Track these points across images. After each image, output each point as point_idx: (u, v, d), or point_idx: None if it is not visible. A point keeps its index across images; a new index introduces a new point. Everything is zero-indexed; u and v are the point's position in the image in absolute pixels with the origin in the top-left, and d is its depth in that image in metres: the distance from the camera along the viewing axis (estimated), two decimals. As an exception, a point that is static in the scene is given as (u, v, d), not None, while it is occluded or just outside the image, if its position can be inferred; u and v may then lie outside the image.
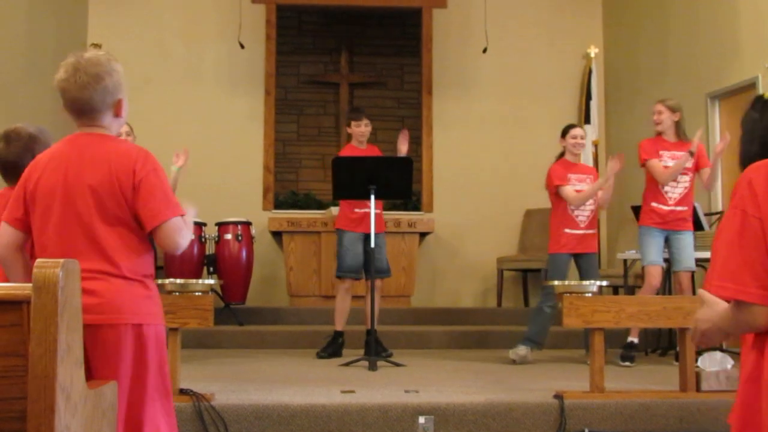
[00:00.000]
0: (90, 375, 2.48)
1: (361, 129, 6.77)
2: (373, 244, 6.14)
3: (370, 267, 6.34)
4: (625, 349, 6.27)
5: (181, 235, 2.70)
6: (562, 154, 6.54)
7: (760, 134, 2.30)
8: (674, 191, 6.22)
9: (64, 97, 2.74)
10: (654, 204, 6.24)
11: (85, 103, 2.70)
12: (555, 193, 6.38)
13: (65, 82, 2.70)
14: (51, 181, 2.66)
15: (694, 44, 7.99)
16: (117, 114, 2.78)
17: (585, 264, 6.43)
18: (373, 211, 6.15)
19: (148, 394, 2.62)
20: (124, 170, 2.64)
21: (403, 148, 6.57)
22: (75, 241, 2.61)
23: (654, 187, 6.26)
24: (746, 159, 2.29)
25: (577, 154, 6.52)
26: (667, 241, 6.26)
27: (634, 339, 6.29)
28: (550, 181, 6.39)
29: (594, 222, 6.47)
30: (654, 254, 6.20)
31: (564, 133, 6.53)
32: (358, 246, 6.66)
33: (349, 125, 6.87)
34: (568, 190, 6.30)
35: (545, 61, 9.87)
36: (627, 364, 6.15)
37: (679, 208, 6.19)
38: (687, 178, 6.22)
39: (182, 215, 2.73)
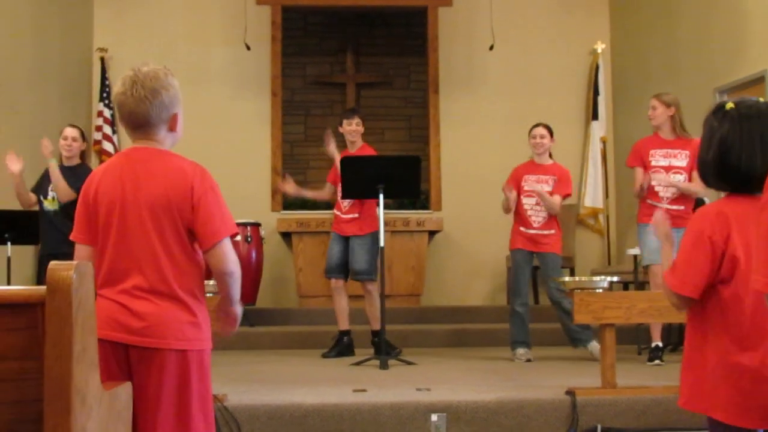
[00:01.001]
0: (134, 396, 2.51)
1: (352, 127, 6.79)
2: (381, 243, 6.17)
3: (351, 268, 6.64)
4: (652, 351, 6.21)
5: (229, 260, 2.71)
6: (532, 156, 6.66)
7: (717, 143, 2.44)
8: (667, 191, 6.17)
9: (120, 110, 2.74)
10: (649, 201, 6.21)
11: (141, 117, 2.70)
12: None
13: (122, 96, 2.70)
14: (108, 196, 2.67)
15: (702, 39, 7.97)
16: (172, 128, 2.79)
17: (542, 262, 6.52)
18: (381, 211, 6.16)
19: (193, 418, 2.63)
20: (181, 187, 2.65)
21: (330, 149, 6.76)
22: (130, 256, 2.63)
23: (649, 185, 6.24)
24: (702, 164, 2.51)
25: (539, 153, 6.57)
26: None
27: (658, 343, 6.22)
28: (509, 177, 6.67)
29: (550, 223, 6.49)
30: (654, 252, 6.15)
31: (529, 132, 6.61)
32: (335, 246, 6.78)
33: (341, 125, 6.88)
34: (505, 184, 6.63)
35: (552, 58, 9.86)
36: (657, 362, 6.04)
37: (674, 207, 6.13)
38: (681, 177, 6.16)
39: (236, 233, 2.76)
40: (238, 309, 2.86)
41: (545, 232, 6.46)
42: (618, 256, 9.51)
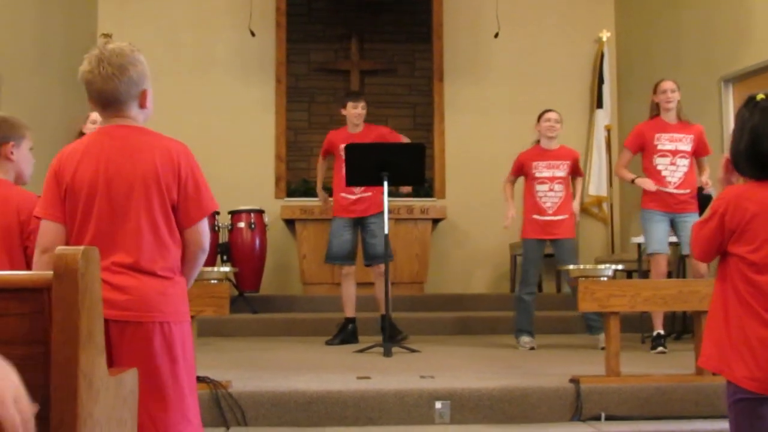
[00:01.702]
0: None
1: (358, 111, 6.80)
2: (386, 230, 6.16)
3: (367, 253, 6.58)
4: (654, 340, 6.22)
5: (206, 237, 2.78)
6: (538, 141, 6.60)
7: (748, 132, 2.57)
8: (673, 175, 6.18)
9: (88, 89, 2.72)
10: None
11: (110, 94, 2.69)
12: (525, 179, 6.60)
13: (90, 74, 2.69)
14: (89, 174, 2.66)
15: (706, 27, 7.95)
16: (142, 105, 2.78)
17: (558, 250, 6.48)
18: (386, 197, 6.15)
19: (183, 389, 2.63)
20: (168, 164, 2.67)
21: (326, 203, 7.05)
22: (112, 234, 2.63)
23: (652, 170, 6.24)
24: (735, 153, 2.62)
25: (551, 137, 6.53)
26: (674, 225, 6.24)
27: (660, 331, 6.23)
28: (513, 165, 6.67)
29: (565, 207, 6.47)
30: (657, 242, 6.16)
31: (539, 117, 6.58)
32: (345, 233, 6.75)
33: (344, 106, 6.88)
34: (507, 179, 6.73)
35: (557, 46, 9.83)
36: (660, 349, 6.06)
37: (679, 192, 6.14)
38: (685, 161, 6.17)
39: (215, 210, 2.80)
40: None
41: (559, 217, 6.43)
42: (622, 245, 9.50)
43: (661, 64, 8.76)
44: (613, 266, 4.90)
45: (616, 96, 9.87)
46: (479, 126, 9.71)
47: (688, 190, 6.17)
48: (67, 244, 2.67)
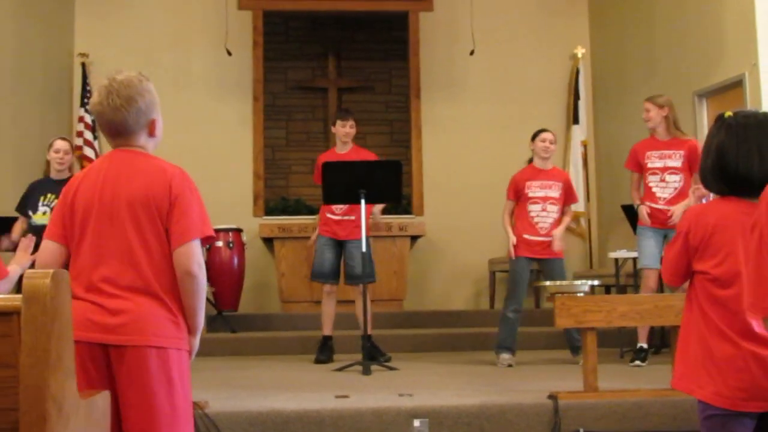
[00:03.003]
0: (114, 395, 2.50)
1: (346, 129, 6.80)
2: (363, 248, 6.14)
3: (348, 273, 6.51)
4: (636, 353, 6.24)
5: (195, 261, 2.67)
6: (531, 159, 6.61)
7: (714, 149, 2.62)
8: (663, 192, 6.22)
9: (99, 120, 2.79)
10: (647, 202, 6.27)
11: (119, 125, 2.74)
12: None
13: (99, 106, 2.74)
14: (87, 196, 2.69)
15: (680, 43, 8.02)
16: (151, 134, 2.83)
17: (547, 269, 6.46)
18: (363, 215, 6.13)
19: (179, 418, 2.61)
20: (160, 185, 2.67)
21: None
22: (108, 255, 2.63)
23: (645, 185, 6.30)
24: (703, 169, 2.68)
25: (545, 158, 6.54)
26: (666, 240, 6.28)
27: (643, 344, 6.25)
28: (507, 190, 6.60)
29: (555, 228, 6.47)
30: (649, 257, 6.19)
31: (534, 136, 6.59)
32: (328, 251, 6.74)
33: (334, 124, 6.89)
34: (507, 208, 6.60)
35: (533, 63, 9.89)
36: (637, 363, 6.10)
37: (670, 208, 6.19)
38: (677, 177, 6.21)
39: (211, 237, 2.75)
40: (196, 342, 2.82)
41: (551, 238, 6.43)
42: (600, 260, 9.54)
43: (636, 80, 8.83)
44: (590, 282, 4.92)
45: (592, 111, 9.93)
46: (456, 142, 9.75)
47: None
48: (68, 263, 2.70)
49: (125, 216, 2.64)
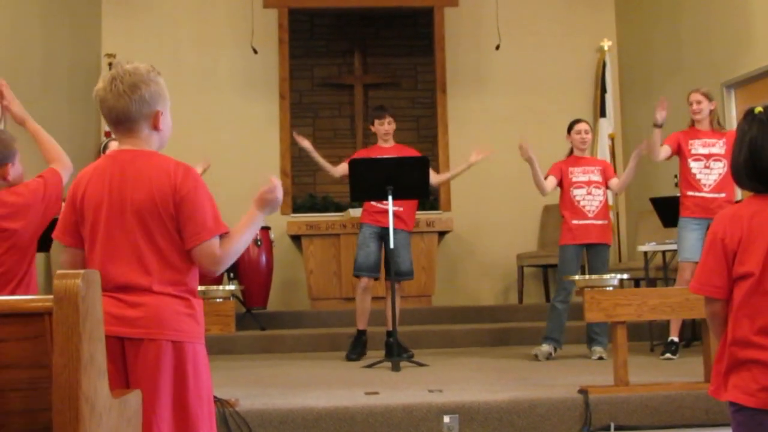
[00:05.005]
0: (128, 388, 2.49)
1: (384, 127, 6.81)
2: (392, 245, 6.11)
3: (389, 268, 6.35)
4: (666, 346, 6.20)
5: (212, 261, 2.66)
6: (571, 151, 6.59)
7: (747, 145, 2.54)
8: (708, 178, 6.13)
9: (101, 106, 2.72)
10: (689, 193, 6.18)
11: (120, 112, 2.67)
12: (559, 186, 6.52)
13: (102, 92, 2.69)
14: (95, 197, 2.66)
15: (707, 33, 7.94)
16: (155, 126, 2.74)
17: (593, 257, 6.43)
18: (391, 212, 6.12)
19: (191, 414, 2.60)
20: (164, 187, 2.62)
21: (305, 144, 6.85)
22: (119, 257, 2.61)
23: (686, 174, 6.21)
24: (734, 165, 2.59)
25: (583, 149, 6.53)
26: None
27: (674, 338, 6.21)
28: (549, 170, 6.56)
29: (603, 212, 6.45)
30: (689, 250, 6.07)
31: (569, 129, 6.57)
32: (373, 243, 6.66)
33: (372, 123, 6.90)
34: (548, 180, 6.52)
35: (559, 56, 9.83)
36: (668, 356, 6.07)
37: (716, 195, 6.07)
38: (721, 164, 6.11)
39: (225, 232, 2.70)
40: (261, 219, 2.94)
41: (600, 222, 6.41)
42: (629, 253, 9.48)
43: (663, 71, 8.76)
44: (619, 275, 4.88)
45: (619, 104, 9.87)
46: (483, 137, 9.67)
47: (723, 194, 6.06)
48: (84, 264, 2.69)
49: (134, 224, 2.61)
